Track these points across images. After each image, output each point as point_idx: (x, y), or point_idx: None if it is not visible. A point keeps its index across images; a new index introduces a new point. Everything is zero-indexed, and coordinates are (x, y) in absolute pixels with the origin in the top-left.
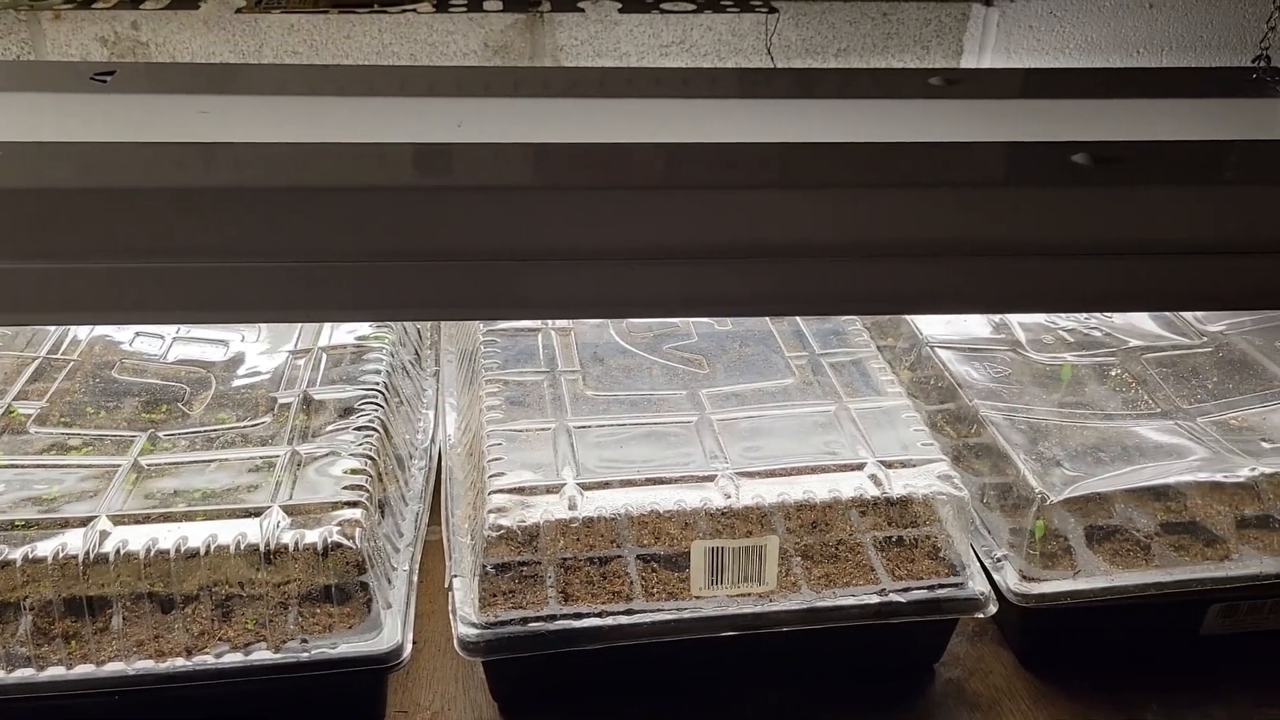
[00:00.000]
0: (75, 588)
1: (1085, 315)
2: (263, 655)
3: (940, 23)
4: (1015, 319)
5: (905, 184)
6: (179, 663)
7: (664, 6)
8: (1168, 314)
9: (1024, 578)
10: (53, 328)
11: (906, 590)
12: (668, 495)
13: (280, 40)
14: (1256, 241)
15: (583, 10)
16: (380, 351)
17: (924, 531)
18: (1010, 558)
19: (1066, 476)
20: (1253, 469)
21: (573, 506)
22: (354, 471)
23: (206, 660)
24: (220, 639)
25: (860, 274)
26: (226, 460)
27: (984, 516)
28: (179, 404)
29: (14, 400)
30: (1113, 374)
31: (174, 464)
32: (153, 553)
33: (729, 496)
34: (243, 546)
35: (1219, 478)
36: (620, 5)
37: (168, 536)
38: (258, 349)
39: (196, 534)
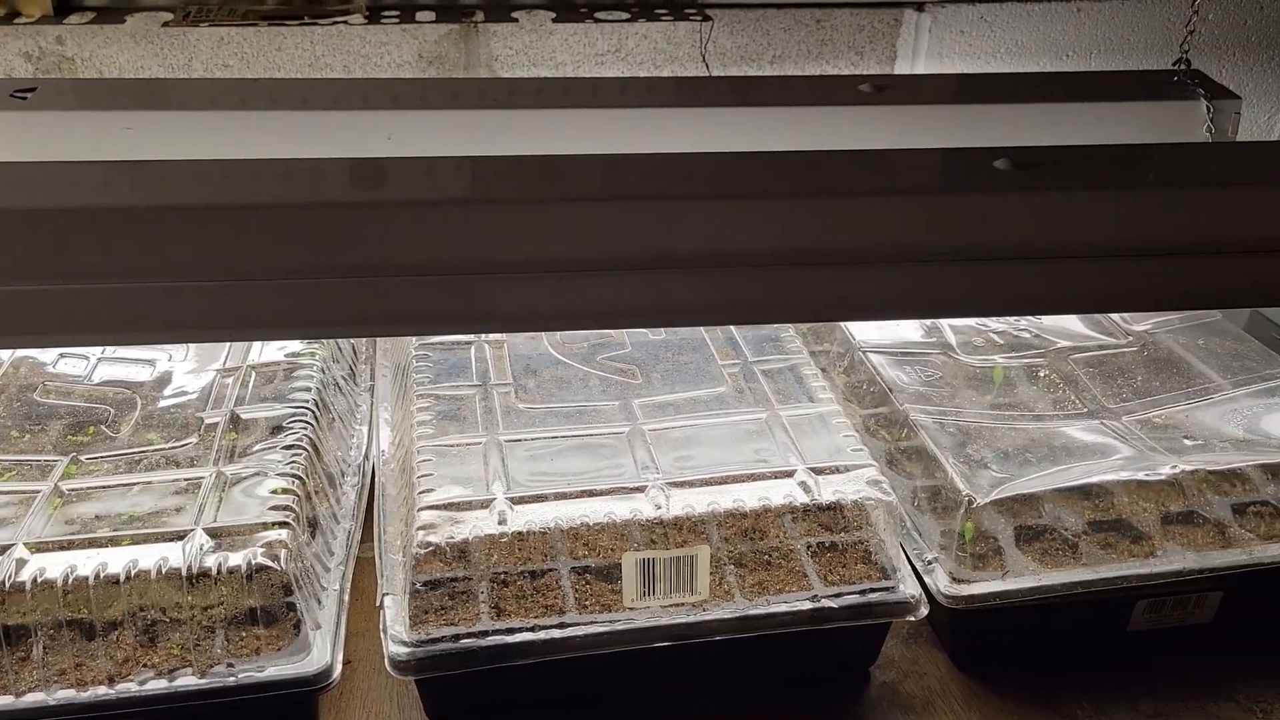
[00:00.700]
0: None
1: (1015, 317)
2: (188, 681)
3: (873, 28)
4: (946, 322)
5: (831, 192)
6: (101, 691)
7: (598, 15)
8: (1096, 314)
9: (954, 580)
10: None
11: (839, 595)
12: (598, 507)
13: (210, 54)
14: (1177, 243)
15: (516, 20)
16: (311, 368)
17: (856, 536)
18: (941, 560)
19: (994, 478)
20: (1174, 466)
21: (502, 521)
22: (281, 491)
23: (130, 688)
24: (145, 665)
25: (789, 282)
26: (150, 483)
27: (916, 519)
28: (103, 426)
29: None
30: (1041, 375)
31: (96, 488)
32: (71, 580)
33: (659, 507)
34: (165, 571)
35: (1143, 476)
36: (554, 15)
37: (87, 563)
38: (185, 368)
39: (117, 559)
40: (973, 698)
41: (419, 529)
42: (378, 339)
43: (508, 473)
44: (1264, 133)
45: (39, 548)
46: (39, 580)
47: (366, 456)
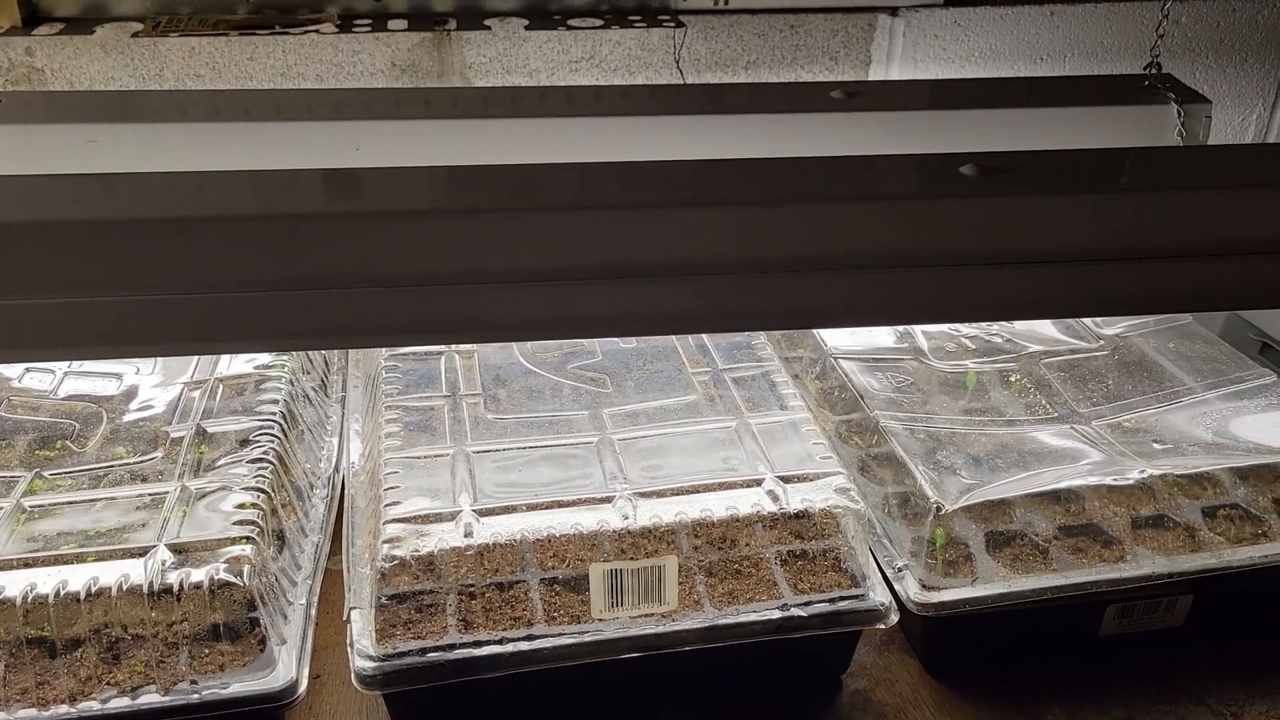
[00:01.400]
0: None
1: (986, 323)
2: (151, 698)
3: (848, 34)
4: (918, 328)
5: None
6: (63, 710)
7: (571, 23)
8: (1067, 319)
9: (924, 586)
10: None
11: (808, 604)
12: (565, 518)
13: (181, 64)
14: (1147, 247)
15: (489, 28)
16: (279, 380)
17: (825, 544)
18: (911, 567)
19: (963, 484)
20: (1144, 471)
21: (469, 533)
22: (246, 506)
23: (92, 706)
24: (108, 683)
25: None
26: (114, 498)
27: (887, 526)
28: (69, 441)
29: None
30: (1013, 380)
31: (59, 504)
32: (32, 598)
33: (627, 517)
34: (126, 588)
35: (1112, 480)
36: (527, 22)
37: (48, 580)
38: (152, 382)
39: (78, 576)
40: (945, 704)
41: (385, 542)
42: (350, 350)
43: (475, 484)
44: (1237, 135)
45: (0, 565)
46: None
47: (337, 468)
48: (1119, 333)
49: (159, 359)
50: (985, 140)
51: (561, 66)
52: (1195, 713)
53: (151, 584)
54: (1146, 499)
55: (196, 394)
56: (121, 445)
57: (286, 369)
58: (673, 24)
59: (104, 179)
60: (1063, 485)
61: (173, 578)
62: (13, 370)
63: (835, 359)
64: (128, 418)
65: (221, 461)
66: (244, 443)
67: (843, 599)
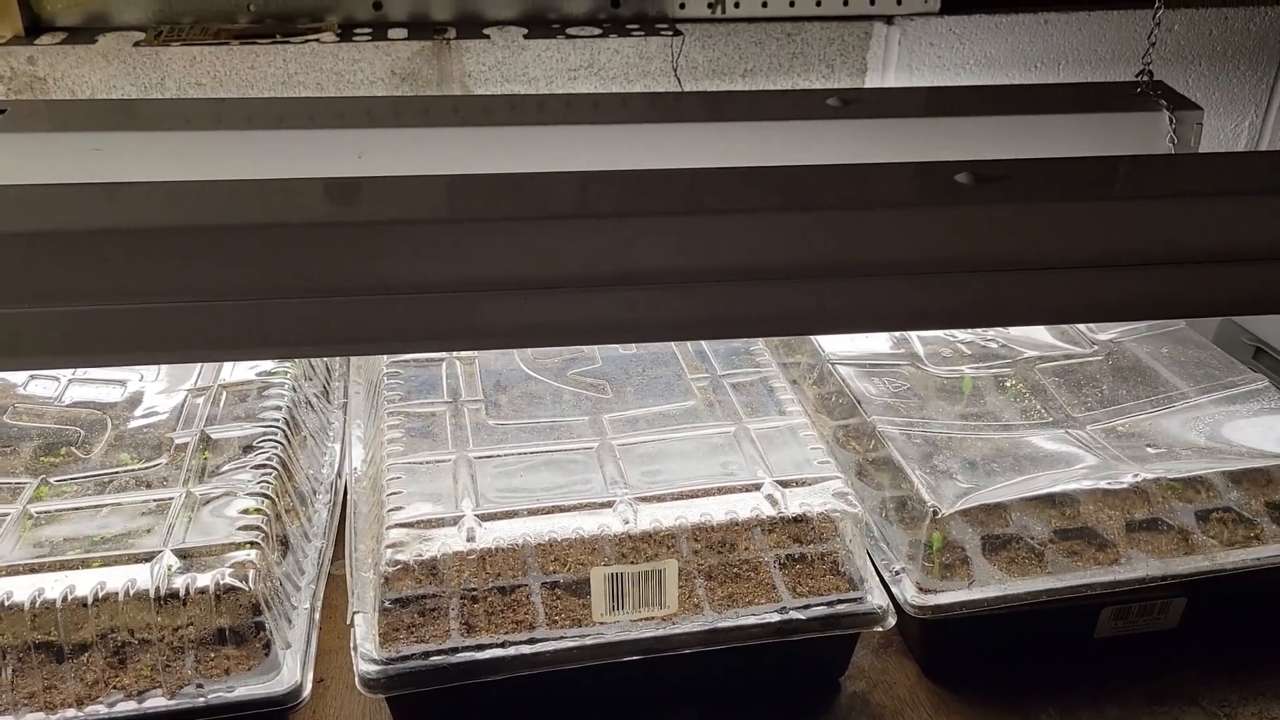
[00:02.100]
0: None
1: (982, 329)
2: (158, 702)
3: (844, 42)
4: (915, 334)
5: (798, 208)
6: (70, 714)
7: (570, 31)
8: (1062, 325)
9: (921, 589)
10: None
11: (806, 607)
12: (566, 523)
13: (183, 72)
14: (1140, 253)
15: (488, 36)
16: (282, 386)
17: (823, 548)
18: (908, 570)
19: (959, 489)
20: (1138, 475)
21: (471, 538)
22: (250, 511)
23: (99, 710)
24: (114, 687)
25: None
26: (120, 504)
27: (884, 530)
28: (74, 447)
29: None
30: (1008, 385)
31: (66, 510)
32: (39, 603)
33: (627, 522)
34: (133, 592)
35: (1107, 484)
36: (526, 31)
37: (55, 585)
38: (156, 388)
39: (85, 581)
40: (942, 706)
41: (388, 546)
42: (351, 357)
43: (477, 489)
44: (1230, 143)
45: (7, 571)
46: (6, 603)
47: (339, 474)
48: (1113, 338)
49: (162, 366)
50: (980, 147)
51: (560, 75)
52: (1189, 713)
53: (158, 589)
54: (1140, 503)
55: (200, 400)
56: (126, 451)
57: (289, 375)
58: (670, 32)
59: (109, 188)
60: (1058, 489)
61: (179, 582)
62: (18, 377)
63: (833, 365)
64: (132, 424)
65: (226, 467)
66: (248, 449)
67: (841, 602)
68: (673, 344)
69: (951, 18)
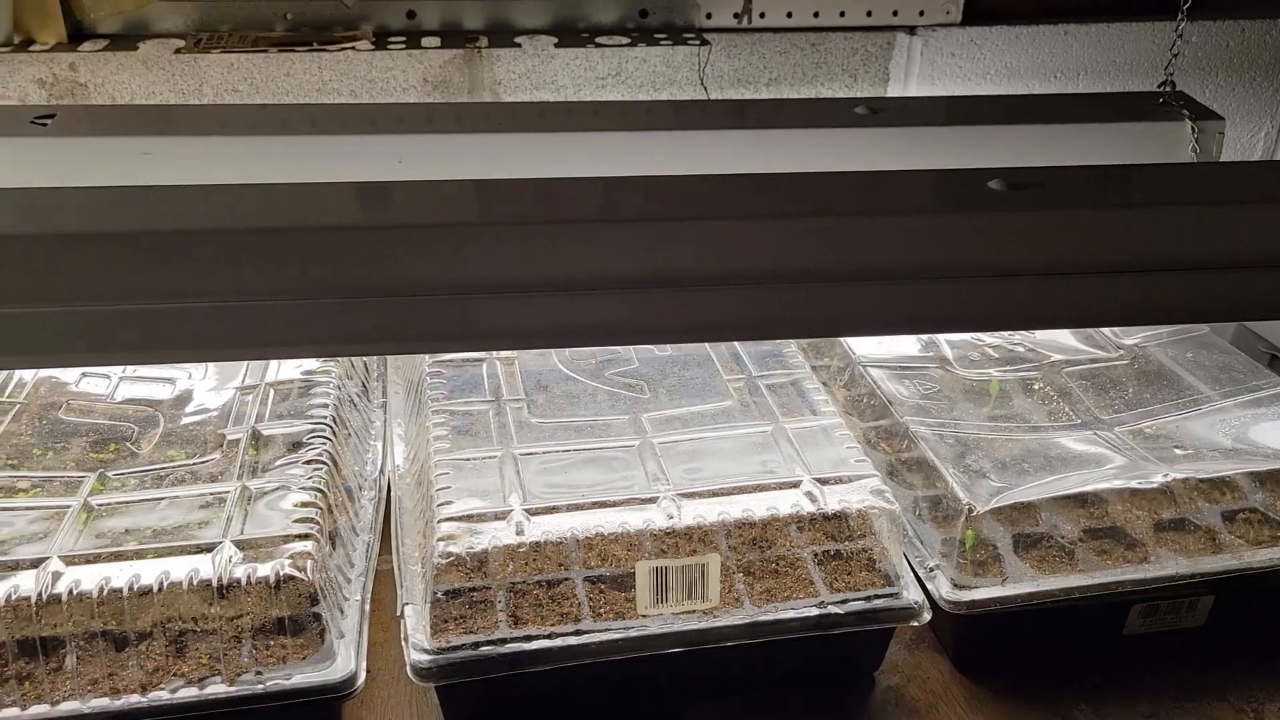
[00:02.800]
0: (28, 629)
1: (1009, 332)
2: (218, 689)
3: (867, 51)
4: (943, 337)
5: (837, 213)
6: (134, 699)
7: (599, 40)
8: (1087, 329)
9: (955, 585)
10: None
11: (844, 602)
12: (612, 518)
13: (220, 79)
14: (1167, 260)
15: (519, 45)
16: (327, 385)
17: (860, 545)
18: (942, 567)
19: (992, 487)
20: (1166, 475)
21: (520, 532)
22: (304, 505)
23: (162, 695)
24: (175, 674)
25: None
26: (177, 497)
27: (917, 528)
28: (127, 443)
29: None
30: (1036, 388)
31: (124, 503)
32: (106, 591)
33: (671, 517)
34: (196, 582)
35: (1136, 484)
36: (556, 40)
37: (120, 575)
38: (205, 386)
39: (149, 571)
40: (975, 700)
41: (440, 540)
42: (389, 357)
43: (523, 485)
44: (1247, 152)
45: (72, 561)
46: (74, 592)
47: (381, 471)
48: (1137, 343)
49: (210, 365)
50: (1009, 155)
51: (588, 82)
52: (1217, 709)
53: (220, 578)
54: (1168, 502)
55: (249, 398)
56: (180, 447)
57: (333, 375)
58: (698, 41)
59: (160, 191)
60: (1089, 489)
61: (239, 572)
62: (69, 375)
63: (864, 367)
64: (184, 421)
65: (279, 462)
66: (297, 445)
67: (878, 597)
68: (707, 346)
69: (973, 28)
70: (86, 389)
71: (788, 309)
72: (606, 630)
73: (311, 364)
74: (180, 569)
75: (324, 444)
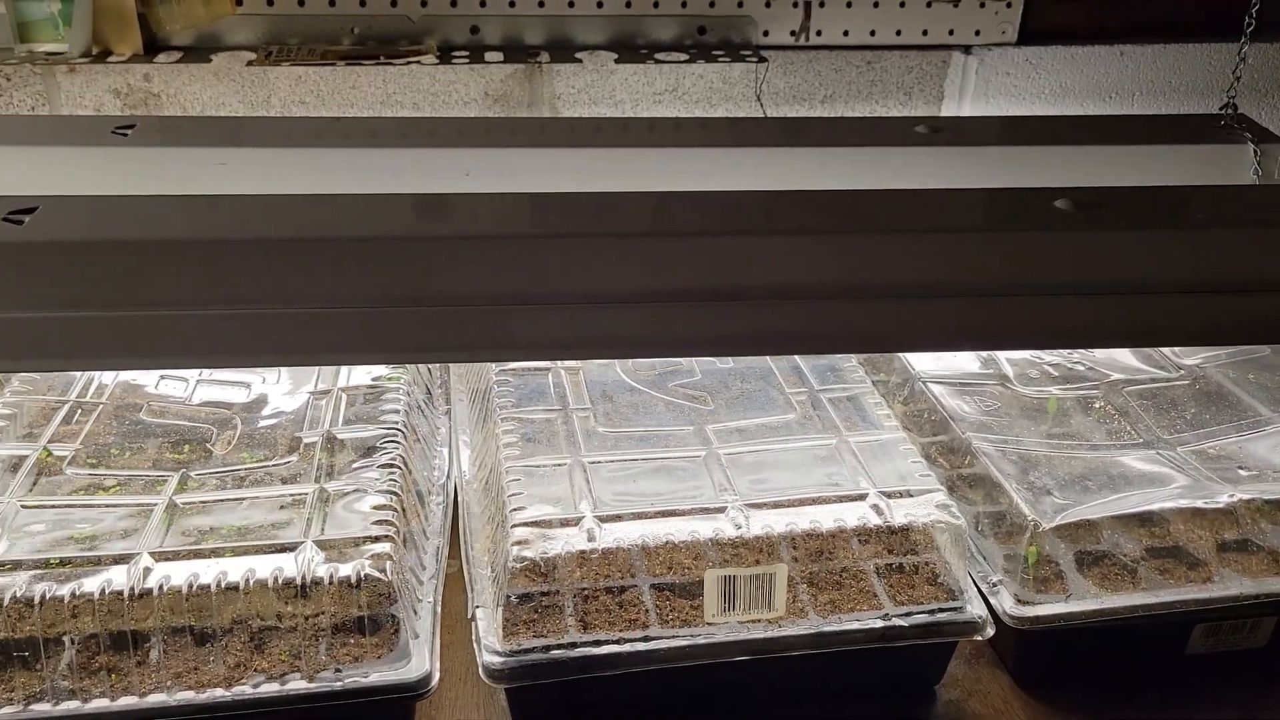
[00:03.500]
0: (118, 622)
1: (1069, 350)
2: (298, 685)
3: (921, 70)
4: (1002, 355)
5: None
6: (218, 693)
7: (658, 57)
8: (1147, 349)
9: (1019, 601)
10: (79, 373)
11: (909, 615)
12: (681, 526)
13: (288, 91)
14: (1231, 281)
15: (580, 61)
16: (397, 391)
17: (923, 558)
18: (1005, 582)
19: (1057, 505)
20: (1231, 495)
21: (591, 538)
22: (381, 507)
23: (245, 690)
24: (255, 670)
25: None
26: (257, 498)
27: (978, 543)
28: (206, 444)
29: (48, 443)
30: (1096, 406)
31: (207, 502)
32: (194, 587)
33: (739, 527)
34: (280, 580)
35: (1200, 504)
36: (616, 56)
37: (207, 571)
38: (279, 390)
39: (235, 569)
40: (1036, 716)
41: (513, 544)
42: (452, 365)
43: (593, 493)
44: None
45: (162, 557)
46: (164, 588)
47: (448, 476)
48: (1198, 363)
49: (283, 369)
50: (1072, 175)
51: (645, 98)
52: None
53: (303, 577)
54: (1231, 523)
55: (322, 402)
56: (257, 449)
57: (402, 381)
58: (755, 59)
59: (240, 200)
60: (1152, 507)
61: (321, 571)
62: (148, 378)
63: (924, 383)
64: (260, 424)
65: (357, 465)
66: (371, 449)
67: (942, 611)
68: (768, 360)
69: (1028, 48)
70: (165, 391)
71: (855, 324)
72: (674, 637)
73: (381, 370)
74: (264, 567)
75: (397, 448)
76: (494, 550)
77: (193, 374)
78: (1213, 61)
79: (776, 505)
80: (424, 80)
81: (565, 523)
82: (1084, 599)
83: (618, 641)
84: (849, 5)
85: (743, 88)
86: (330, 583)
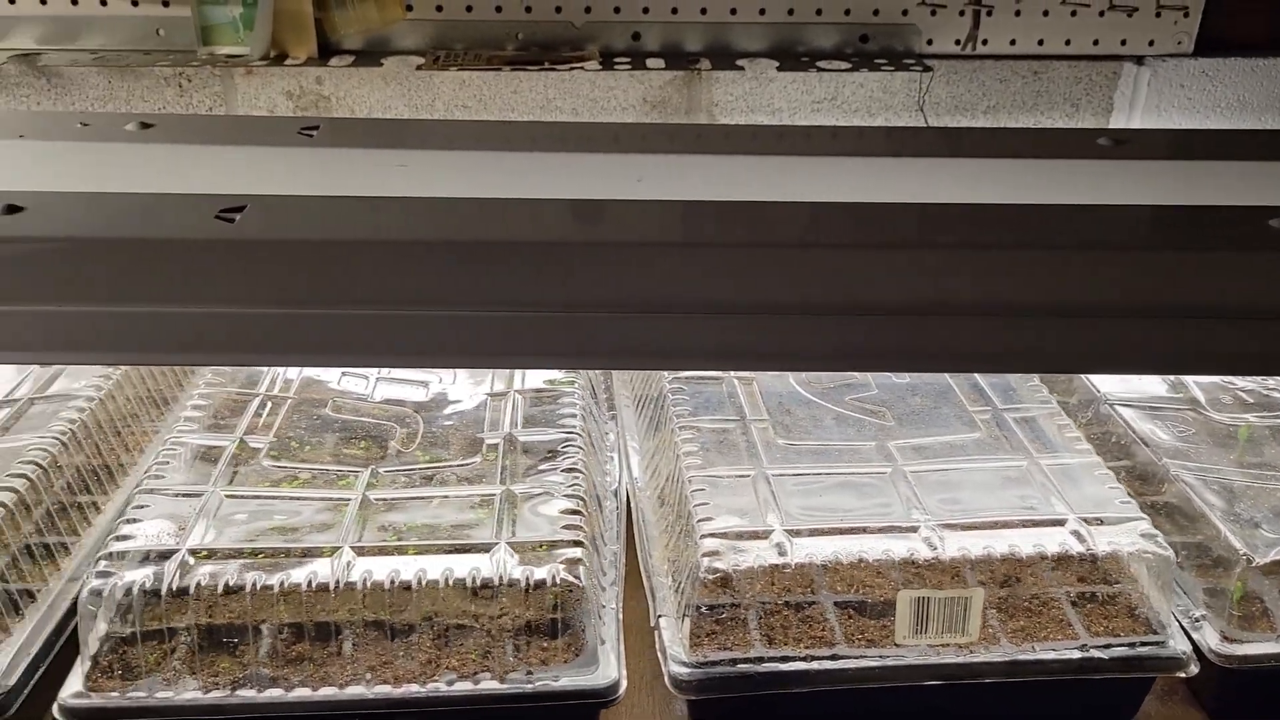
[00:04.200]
0: (318, 614)
1: (1264, 377)
2: (491, 685)
3: (1090, 81)
4: (1191, 378)
5: (1110, 246)
6: (413, 689)
7: (820, 65)
8: None
9: (1225, 639)
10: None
11: (1107, 647)
12: (874, 544)
13: (452, 95)
14: None
15: (741, 68)
16: (573, 396)
17: (1121, 589)
18: (1209, 618)
19: (1268, 539)
20: None
21: (782, 552)
22: (570, 512)
23: (439, 687)
24: (446, 667)
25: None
26: (446, 497)
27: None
28: (390, 441)
29: (244, 435)
30: None
31: (398, 499)
32: (396, 583)
33: (934, 548)
34: (478, 580)
35: None
36: (778, 64)
37: (407, 568)
38: (456, 391)
39: (433, 566)
40: None
41: (704, 555)
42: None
43: (780, 505)
44: None
45: (362, 552)
46: (368, 582)
47: (619, 483)
48: None
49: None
50: (1275, 193)
51: (804, 106)
52: None
53: (500, 578)
54: None
55: (500, 404)
56: (441, 448)
57: (576, 385)
58: (920, 68)
59: (426, 203)
60: None
61: (517, 573)
62: (329, 374)
63: (1111, 405)
64: (441, 423)
65: (541, 468)
66: (553, 453)
67: (1143, 644)
68: (947, 376)
69: (1205, 59)
70: (348, 387)
71: (1048, 342)
72: (862, 657)
73: (554, 375)
74: (461, 566)
75: (579, 453)
76: (676, 559)
77: (371, 372)
78: None
79: (971, 527)
80: (584, 86)
81: (754, 535)
82: None
83: (805, 658)
84: (1017, 14)
85: (903, 97)
86: (525, 585)
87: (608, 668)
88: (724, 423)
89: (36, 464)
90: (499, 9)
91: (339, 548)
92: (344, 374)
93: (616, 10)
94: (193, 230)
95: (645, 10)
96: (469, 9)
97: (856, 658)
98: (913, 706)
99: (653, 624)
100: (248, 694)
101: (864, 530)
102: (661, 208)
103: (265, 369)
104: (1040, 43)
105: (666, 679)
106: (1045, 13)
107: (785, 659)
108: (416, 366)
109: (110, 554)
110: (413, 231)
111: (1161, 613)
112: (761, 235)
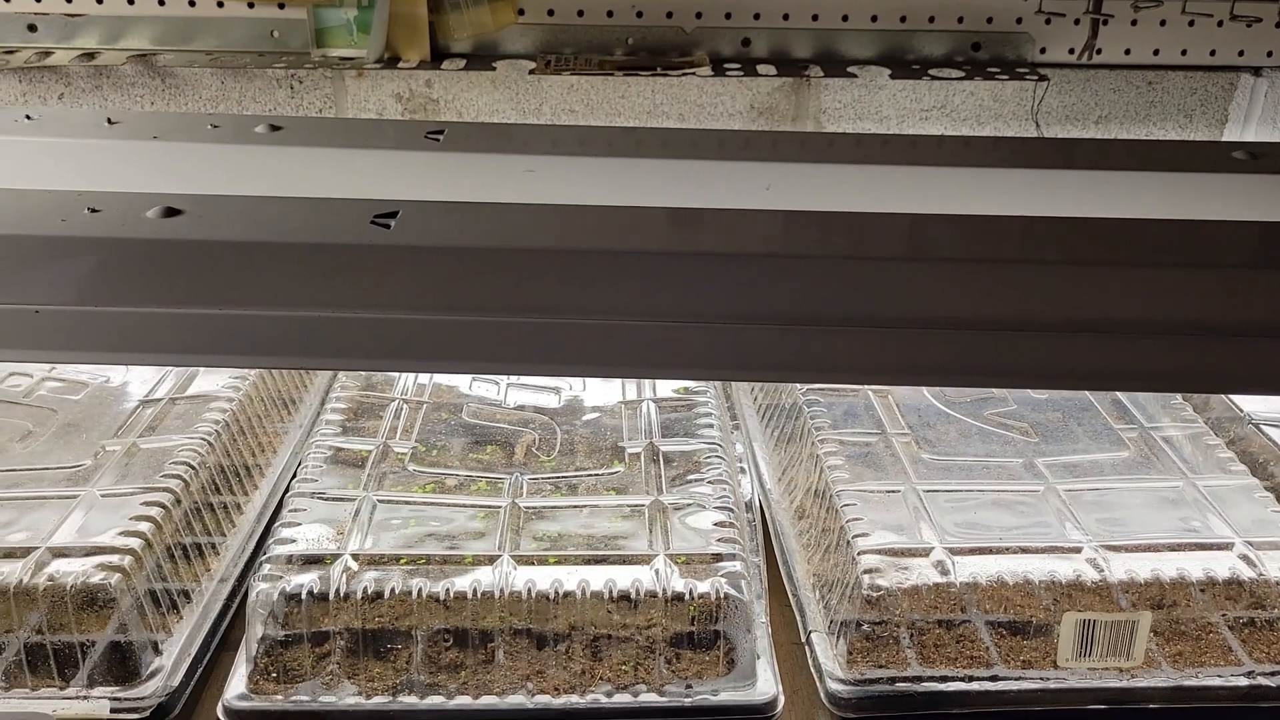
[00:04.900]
0: (478, 622)
1: None
2: (650, 698)
3: (1206, 91)
4: None
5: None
6: (574, 699)
7: (932, 73)
8: None
9: None
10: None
11: (1274, 674)
12: (1037, 565)
13: (559, 99)
14: None
15: (854, 75)
16: (707, 405)
17: None
18: None
19: None
20: None
21: (944, 571)
22: (723, 524)
23: (599, 699)
24: (600, 678)
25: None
26: (596, 506)
27: None
28: (531, 448)
29: (385, 439)
30: None
31: (549, 507)
32: (559, 594)
33: (1101, 570)
34: (640, 592)
35: None
36: (890, 71)
37: (569, 579)
38: (590, 398)
39: (595, 577)
40: None
41: (865, 572)
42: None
43: (935, 522)
44: None
45: (521, 561)
46: (532, 592)
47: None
48: None
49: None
50: None
51: (912, 114)
52: None
53: (664, 590)
54: None
55: (635, 412)
56: (584, 456)
57: (709, 394)
58: (1034, 77)
59: (562, 210)
60: None
61: (679, 586)
62: (460, 379)
63: (1257, 425)
64: (579, 430)
65: (689, 478)
66: (697, 464)
67: None
68: (1088, 392)
69: None
70: (480, 393)
71: (1208, 362)
72: (1022, 678)
73: (686, 383)
74: (623, 578)
75: (722, 464)
76: (823, 574)
77: (501, 377)
78: None
79: (1136, 549)
80: (691, 91)
81: (914, 553)
82: None
83: (965, 679)
84: (1134, 24)
85: (1014, 106)
86: (689, 598)
87: (765, 683)
88: (865, 436)
89: (188, 464)
90: (610, 13)
91: (498, 556)
92: (474, 379)
93: (728, 16)
94: (353, 236)
95: (756, 16)
96: (580, 13)
97: (1016, 679)
98: None
99: (803, 639)
100: (409, 700)
101: (1024, 550)
102: (804, 218)
103: (398, 374)
104: (1156, 52)
105: (823, 696)
106: (1162, 22)
107: (944, 679)
108: (572, 375)
109: (273, 557)
110: (566, 239)
111: None
112: (916, 249)
